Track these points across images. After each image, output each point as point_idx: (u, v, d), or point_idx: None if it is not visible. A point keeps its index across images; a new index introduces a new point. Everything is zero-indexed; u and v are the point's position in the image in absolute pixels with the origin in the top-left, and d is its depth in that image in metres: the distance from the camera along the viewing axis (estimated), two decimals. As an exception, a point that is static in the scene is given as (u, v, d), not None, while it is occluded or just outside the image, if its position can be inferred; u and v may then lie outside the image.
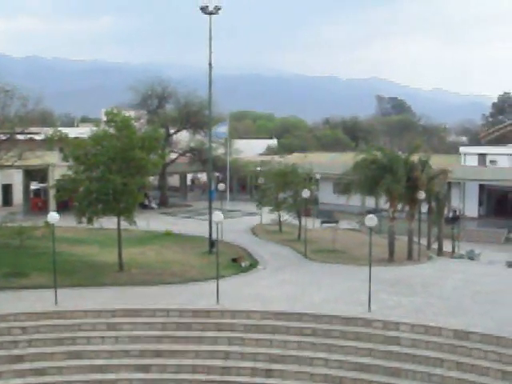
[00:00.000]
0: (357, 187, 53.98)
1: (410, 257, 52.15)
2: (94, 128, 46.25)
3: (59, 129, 49.00)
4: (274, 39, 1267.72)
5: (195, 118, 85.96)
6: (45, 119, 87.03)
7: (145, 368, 33.68)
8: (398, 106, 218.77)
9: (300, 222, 58.63)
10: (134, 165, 43.89)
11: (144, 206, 76.24)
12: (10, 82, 59.04)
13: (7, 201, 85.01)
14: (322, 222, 67.15)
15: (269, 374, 32.98)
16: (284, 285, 42.24)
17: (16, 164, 62.03)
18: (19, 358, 33.53)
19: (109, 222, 46.53)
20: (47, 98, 66.93)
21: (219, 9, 52.15)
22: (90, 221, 44.58)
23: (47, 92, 74.80)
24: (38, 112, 64.81)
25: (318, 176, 75.94)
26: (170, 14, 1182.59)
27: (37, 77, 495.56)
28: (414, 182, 51.33)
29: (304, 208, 59.51)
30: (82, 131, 52.20)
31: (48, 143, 46.72)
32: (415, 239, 54.03)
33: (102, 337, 35.09)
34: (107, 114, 45.87)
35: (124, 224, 45.32)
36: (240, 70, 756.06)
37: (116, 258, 45.29)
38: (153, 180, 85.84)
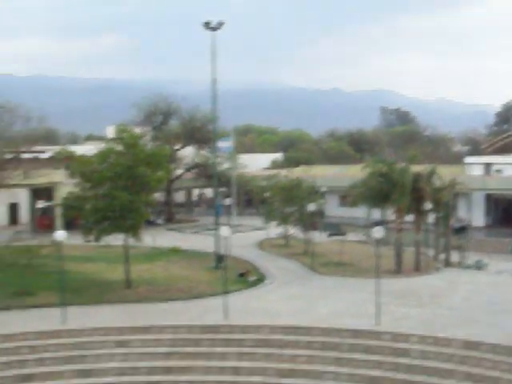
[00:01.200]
0: (364, 200, 53.97)
1: (417, 268, 52.03)
2: (101, 145, 46.43)
3: (65, 147, 49.14)
4: (277, 54, 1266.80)
5: (199, 133, 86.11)
6: (49, 137, 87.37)
7: (154, 385, 33.69)
8: (402, 117, 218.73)
9: (307, 236, 58.60)
10: (140, 181, 43.95)
11: (150, 223, 76.22)
12: (12, 101, 59.37)
13: (14, 220, 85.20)
14: (329, 235, 67.12)
15: (279, 388, 32.94)
16: (292, 299, 42.21)
17: (22, 183, 62.43)
18: (29, 378, 33.55)
19: (116, 240, 46.61)
20: (51, 116, 67.37)
21: (222, 24, 52.40)
22: (97, 238, 44.61)
23: (51, 110, 75.26)
24: (42, 130, 65.18)
25: (323, 189, 76.00)
26: (174, 30, 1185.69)
27: (41, 95, 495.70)
28: (420, 194, 51.32)
29: (310, 221, 59.48)
30: (88, 149, 52.40)
31: (55, 161, 46.84)
32: (422, 250, 53.93)
33: (111, 354, 35.09)
34: (117, 130, 45.84)
35: (131, 241, 45.36)
36: (244, 85, 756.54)
37: (123, 275, 45.32)
38: (159, 196, 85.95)
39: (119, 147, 45.04)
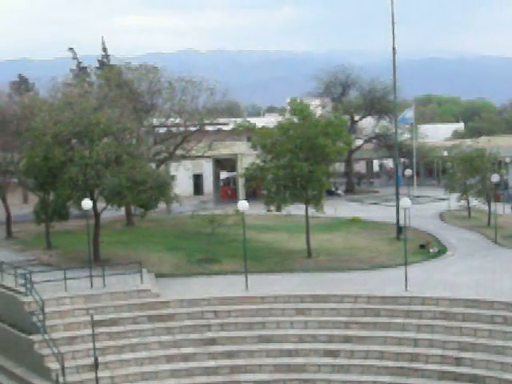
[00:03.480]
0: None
1: None
2: (280, 117, 46.96)
3: (246, 119, 49.92)
4: (453, 22, 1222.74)
5: (379, 104, 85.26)
6: (231, 110, 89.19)
7: (333, 353, 33.99)
8: None
9: (489, 208, 56.93)
10: (320, 152, 44.10)
11: (331, 193, 76.44)
12: (197, 75, 60.97)
13: (198, 190, 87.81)
14: (513, 207, 64.78)
15: (458, 362, 32.35)
16: (473, 271, 41.21)
17: (206, 154, 64.20)
18: (212, 341, 34.74)
19: (296, 210, 47.11)
20: (233, 89, 68.56)
21: (402, -8, 51.49)
22: (278, 208, 45.25)
23: (233, 84, 76.54)
24: (225, 103, 66.59)
25: (507, 160, 73.49)
26: (349, 1, 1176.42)
27: (222, 69, 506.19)
28: None
29: (493, 193, 57.70)
30: (269, 121, 53.08)
31: (236, 133, 47.87)
32: None
33: (291, 322, 35.69)
34: (290, 103, 46.36)
35: (311, 211, 45.69)
36: (422, 55, 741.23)
37: (304, 244, 45.76)
38: (339, 166, 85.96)
39: (297, 119, 45.40)
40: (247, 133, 49.51)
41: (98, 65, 75.32)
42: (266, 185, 45.32)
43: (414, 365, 32.72)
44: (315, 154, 44.03)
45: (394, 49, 52.81)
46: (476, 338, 33.29)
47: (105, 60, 77.75)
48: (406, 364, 32.85)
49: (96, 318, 32.47)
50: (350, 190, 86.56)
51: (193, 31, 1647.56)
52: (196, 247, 46.78)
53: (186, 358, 33.93)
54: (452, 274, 40.87)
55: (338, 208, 61.96)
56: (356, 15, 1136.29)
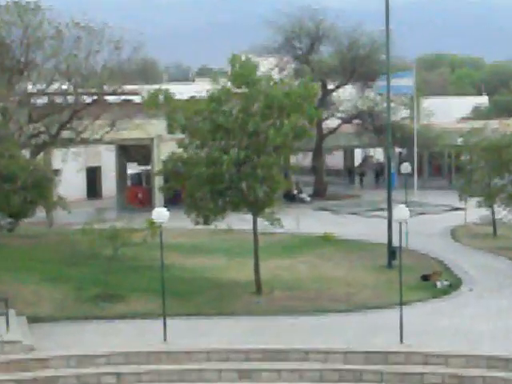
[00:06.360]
0: None
1: None
2: (210, 86, 45.66)
3: (163, 87, 49.09)
4: None
5: (364, 65, 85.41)
6: (146, 72, 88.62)
7: None
8: None
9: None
10: (257, 139, 42.84)
11: (291, 198, 76.80)
12: (97, 19, 60.09)
13: (94, 191, 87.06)
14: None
15: None
16: (501, 315, 41.68)
17: (107, 137, 63.48)
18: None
19: (240, 222, 47.10)
20: (149, 40, 67.88)
21: None
22: (206, 220, 44.96)
23: (149, 33, 76.08)
24: (137, 62, 66.04)
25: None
26: None
27: (134, 11, 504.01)
28: None
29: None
30: (200, 89, 52.78)
31: (146, 106, 47.05)
32: None
33: (233, 389, 35.67)
34: (230, 61, 45.17)
35: (263, 224, 45.59)
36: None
37: (251, 274, 45.79)
38: (303, 158, 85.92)
39: (236, 88, 44.45)
40: (164, 107, 48.15)
41: None
42: (188, 186, 44.19)
43: None
44: (256, 140, 43.01)
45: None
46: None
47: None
48: None
49: None
50: (319, 193, 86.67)
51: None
52: (90, 277, 46.59)
53: None
54: (468, 318, 41.29)
55: (302, 220, 62.23)
56: None
